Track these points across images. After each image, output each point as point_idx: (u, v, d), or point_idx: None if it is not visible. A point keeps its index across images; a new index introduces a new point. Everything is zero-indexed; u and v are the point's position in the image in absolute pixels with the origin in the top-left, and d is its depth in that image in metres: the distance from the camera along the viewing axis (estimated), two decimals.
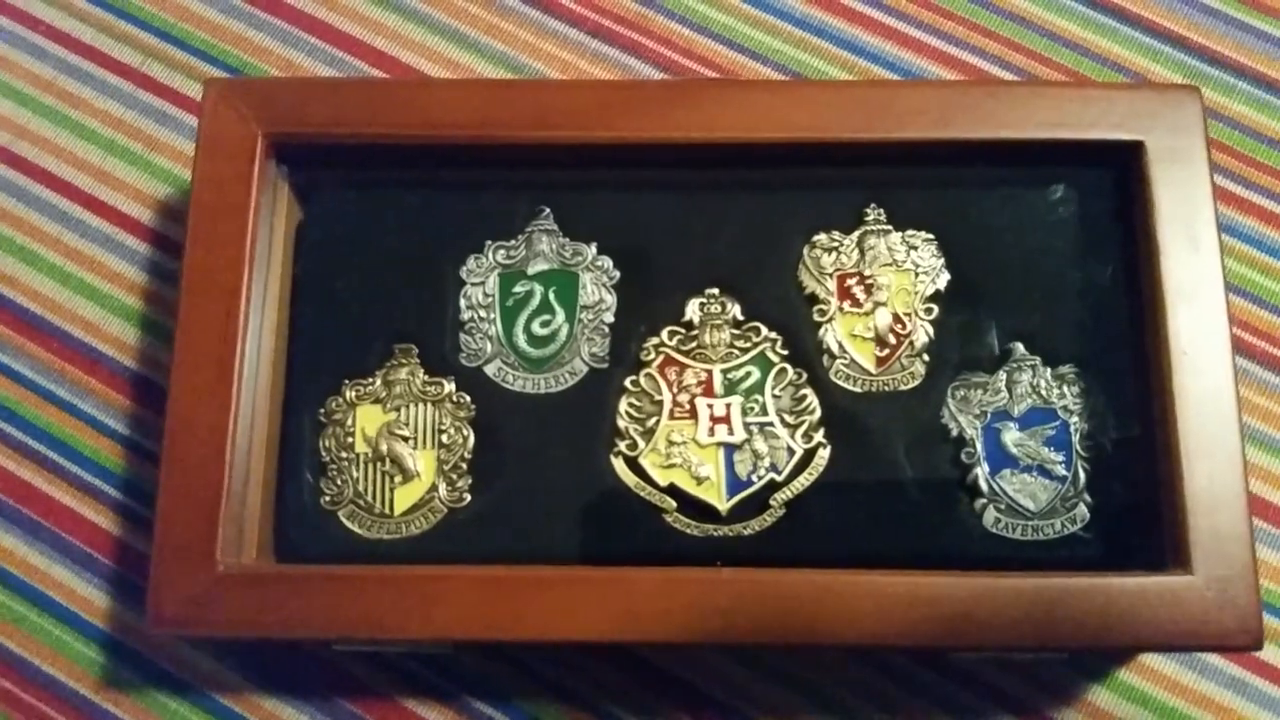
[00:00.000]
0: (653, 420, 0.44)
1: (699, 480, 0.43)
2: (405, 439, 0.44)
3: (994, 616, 0.40)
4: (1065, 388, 0.44)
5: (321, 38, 0.55)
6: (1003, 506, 0.43)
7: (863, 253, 0.45)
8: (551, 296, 0.45)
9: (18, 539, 0.49)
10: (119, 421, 0.50)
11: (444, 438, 0.44)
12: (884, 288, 0.45)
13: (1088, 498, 0.43)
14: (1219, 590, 0.39)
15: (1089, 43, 0.54)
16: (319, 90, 0.45)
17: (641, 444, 0.44)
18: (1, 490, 0.50)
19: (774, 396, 0.44)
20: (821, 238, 0.45)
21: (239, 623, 0.40)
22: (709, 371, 0.44)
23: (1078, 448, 0.43)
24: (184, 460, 0.41)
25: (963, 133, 0.44)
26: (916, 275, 0.45)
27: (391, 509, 0.43)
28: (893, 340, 0.44)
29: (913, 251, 0.45)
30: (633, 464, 0.43)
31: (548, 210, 0.46)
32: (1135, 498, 0.42)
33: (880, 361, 0.44)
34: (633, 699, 0.46)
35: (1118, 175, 0.44)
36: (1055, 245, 0.45)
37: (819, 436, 0.43)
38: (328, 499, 0.43)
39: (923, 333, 0.45)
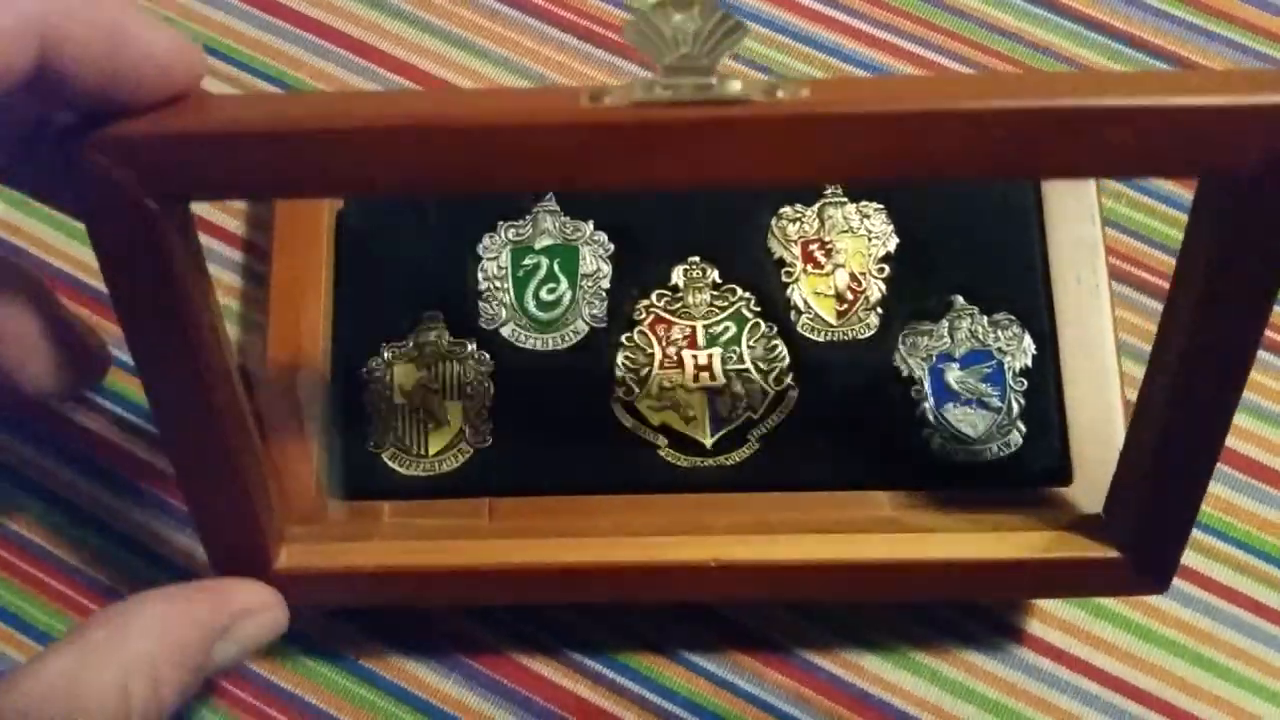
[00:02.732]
0: (646, 370, 0.50)
1: (687, 420, 0.49)
2: (436, 391, 0.50)
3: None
4: (999, 332, 0.50)
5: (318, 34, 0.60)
6: (947, 435, 0.49)
7: (823, 222, 0.51)
8: (556, 267, 0.51)
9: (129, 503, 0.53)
10: None
11: (469, 389, 0.50)
12: (841, 251, 0.51)
13: (1020, 425, 0.49)
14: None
15: (1051, 44, 0.59)
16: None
17: (637, 390, 0.50)
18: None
19: (749, 347, 0.50)
20: (787, 210, 0.51)
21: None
22: (693, 328, 0.50)
23: (1010, 383, 0.50)
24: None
25: None
26: (870, 240, 0.51)
27: (426, 450, 0.49)
28: (850, 297, 0.50)
29: (866, 220, 0.51)
30: (630, 408, 0.49)
31: (551, 194, 0.52)
32: (1061, 423, 0.49)
33: (840, 315, 0.50)
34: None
35: None
36: (990, 210, 0.51)
37: (789, 380, 0.50)
38: (373, 444, 0.50)
39: (876, 289, 0.51)
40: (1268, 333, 0.48)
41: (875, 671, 0.52)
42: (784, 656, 0.52)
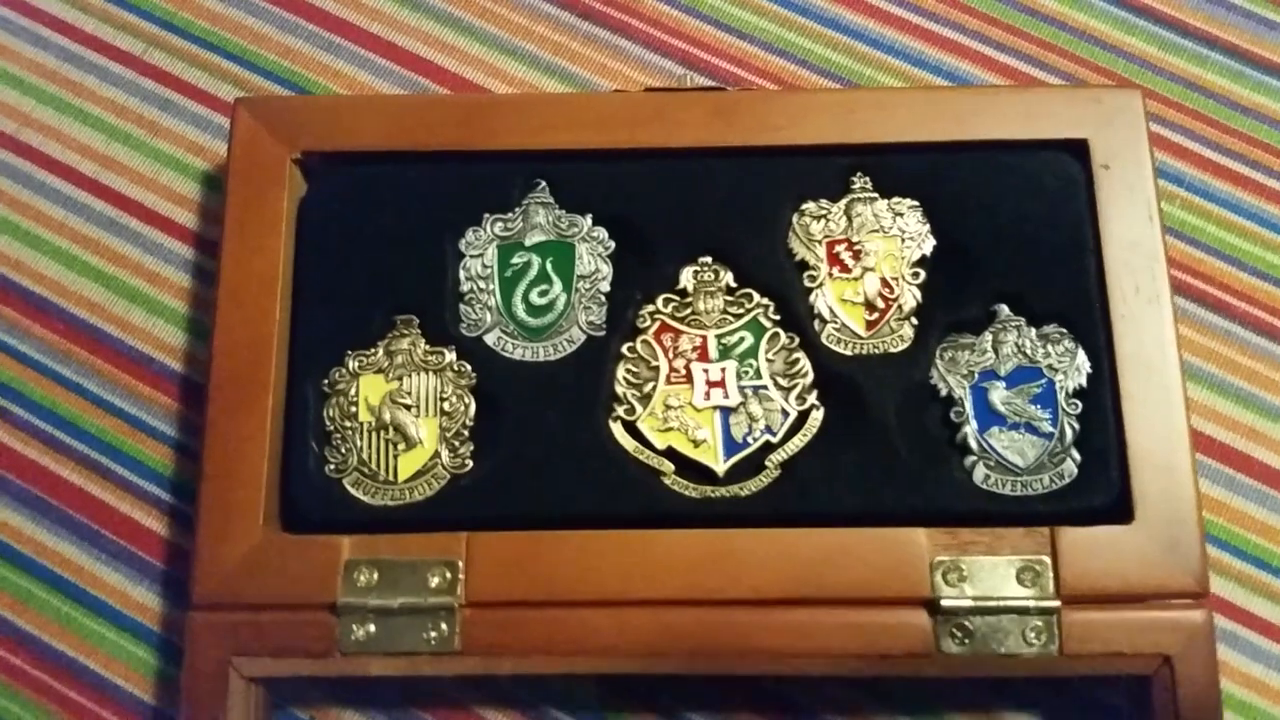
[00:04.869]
0: (650, 385, 0.45)
1: (696, 443, 0.44)
2: (408, 407, 0.45)
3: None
4: (1050, 347, 0.45)
5: (315, 22, 0.56)
6: (992, 463, 0.44)
7: (850, 219, 0.46)
8: (549, 267, 0.46)
9: (62, 539, 0.48)
10: (125, 400, 0.51)
11: (445, 405, 0.44)
12: (872, 253, 0.46)
13: (1075, 454, 0.44)
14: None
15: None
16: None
17: (639, 408, 0.44)
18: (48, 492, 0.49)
19: (767, 360, 0.45)
20: (810, 206, 0.46)
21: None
22: (704, 337, 0.45)
23: (1063, 405, 0.44)
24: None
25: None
26: (903, 241, 0.46)
27: (395, 476, 0.44)
28: (881, 304, 0.45)
29: (899, 218, 0.46)
30: (630, 428, 0.44)
31: (543, 183, 0.47)
32: (1121, 452, 0.43)
33: (870, 325, 0.45)
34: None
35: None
36: (1038, 210, 0.46)
37: (812, 399, 0.44)
38: (332, 467, 0.44)
39: (910, 296, 0.45)
40: None
41: None
42: None
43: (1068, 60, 0.55)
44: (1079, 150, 0.46)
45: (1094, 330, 0.45)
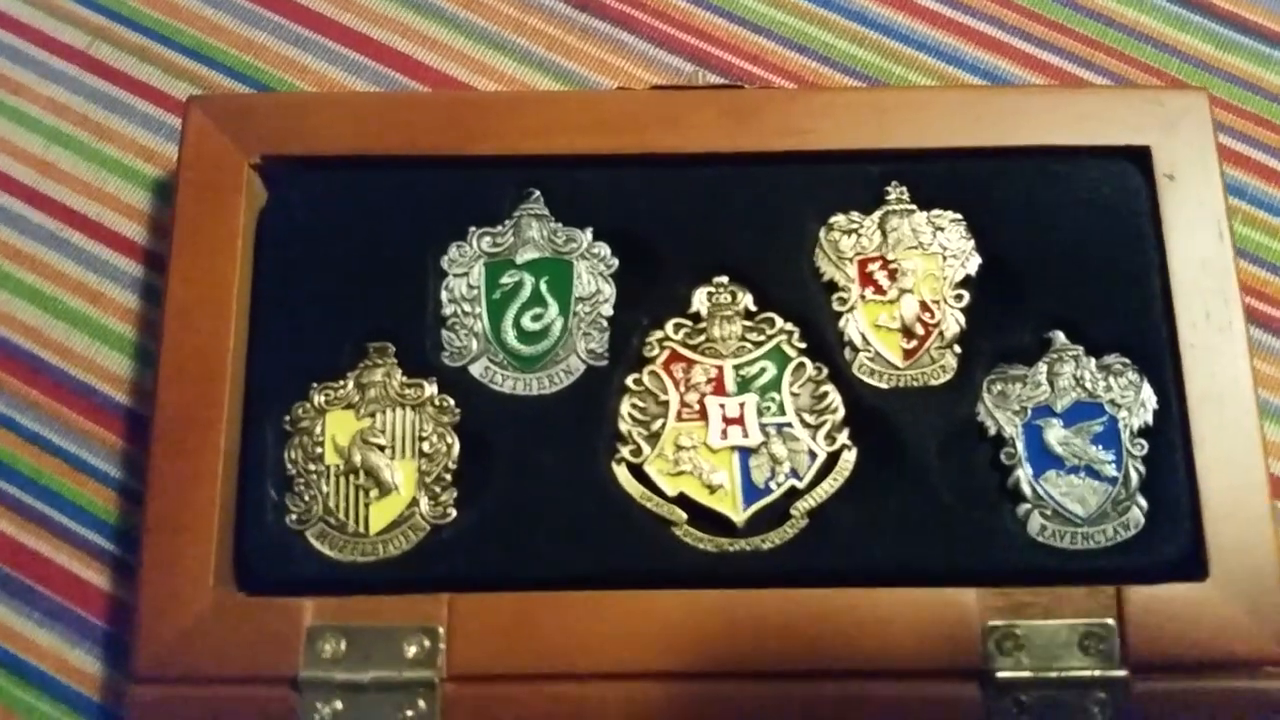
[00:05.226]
0: (658, 423, 0.41)
1: (711, 489, 0.40)
2: (381, 448, 0.41)
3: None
4: (1111, 379, 0.41)
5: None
6: (1049, 512, 0.39)
7: (885, 235, 0.43)
8: (543, 287, 0.43)
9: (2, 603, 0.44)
10: (63, 437, 0.46)
11: (425, 446, 0.41)
12: (909, 273, 0.42)
13: (1141, 500, 0.40)
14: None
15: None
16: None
17: (646, 449, 0.41)
18: None
19: (792, 394, 0.41)
20: (839, 219, 0.43)
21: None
22: (719, 367, 0.42)
23: (1127, 446, 0.40)
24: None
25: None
26: (944, 259, 0.42)
27: (366, 527, 0.40)
28: (920, 330, 0.42)
29: (939, 233, 0.43)
30: (637, 471, 0.40)
31: (537, 193, 0.43)
32: (1193, 499, 0.39)
33: (908, 354, 0.42)
34: None
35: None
36: (1096, 225, 0.42)
37: (843, 438, 0.41)
38: (294, 517, 0.40)
39: (953, 322, 0.42)
40: None
41: None
42: None
43: (1116, 59, 0.51)
44: (1140, 158, 0.43)
45: (1160, 361, 0.41)
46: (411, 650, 0.37)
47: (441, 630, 0.37)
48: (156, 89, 0.51)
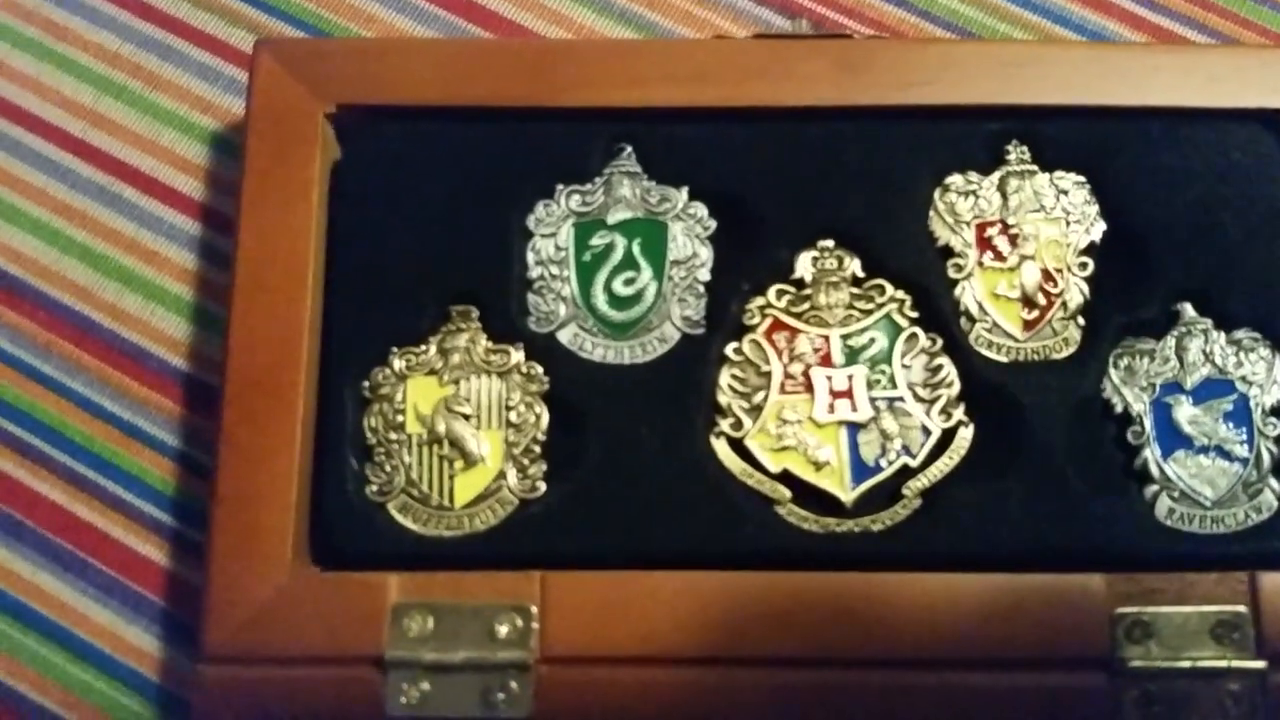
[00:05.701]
0: (760, 395, 0.39)
1: (818, 465, 0.39)
2: (466, 417, 0.39)
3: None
4: (1242, 355, 0.40)
5: None
6: (1176, 494, 0.38)
7: (1005, 197, 0.41)
8: (636, 250, 0.41)
9: (41, 569, 0.42)
10: (117, 403, 0.44)
11: (512, 416, 0.39)
12: (1031, 238, 0.40)
13: (1273, 482, 0.38)
14: None
15: None
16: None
17: (748, 423, 0.39)
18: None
19: (904, 367, 0.40)
20: (956, 179, 0.41)
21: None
22: (825, 337, 0.40)
23: (1259, 425, 0.39)
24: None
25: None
26: (1068, 224, 0.41)
27: (451, 500, 0.38)
28: (1042, 300, 0.40)
29: (1062, 196, 0.41)
30: (738, 446, 0.39)
31: (629, 148, 0.42)
32: None
33: (1028, 325, 0.40)
34: None
35: None
36: (1226, 191, 0.41)
37: (959, 414, 0.39)
38: (374, 489, 0.39)
39: (1077, 291, 0.40)
40: None
41: None
42: None
43: (1229, 21, 0.49)
44: (1273, 122, 0.41)
45: None
46: (504, 630, 0.36)
47: (534, 609, 0.36)
48: (214, 36, 0.48)
